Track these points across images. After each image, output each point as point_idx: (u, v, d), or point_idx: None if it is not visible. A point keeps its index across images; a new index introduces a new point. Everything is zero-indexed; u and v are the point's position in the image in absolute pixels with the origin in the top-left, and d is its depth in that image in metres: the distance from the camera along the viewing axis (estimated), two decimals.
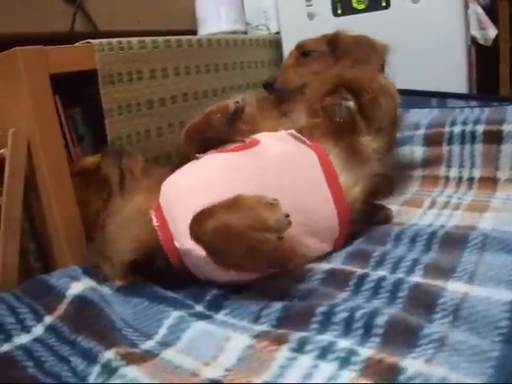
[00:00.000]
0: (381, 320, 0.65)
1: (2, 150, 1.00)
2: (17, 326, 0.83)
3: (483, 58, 1.58)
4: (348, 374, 0.58)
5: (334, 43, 1.27)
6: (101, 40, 1.14)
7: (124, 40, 1.19)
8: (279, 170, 0.89)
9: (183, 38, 1.37)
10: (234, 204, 0.72)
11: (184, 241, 0.78)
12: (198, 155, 0.93)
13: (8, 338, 0.80)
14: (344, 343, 0.63)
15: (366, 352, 0.61)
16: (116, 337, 0.72)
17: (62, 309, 0.84)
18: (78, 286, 0.88)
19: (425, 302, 0.70)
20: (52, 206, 1.05)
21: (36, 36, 1.17)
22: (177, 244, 0.82)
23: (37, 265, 1.09)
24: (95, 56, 1.12)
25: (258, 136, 0.99)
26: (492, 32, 1.58)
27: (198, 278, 0.85)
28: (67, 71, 1.06)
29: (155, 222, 0.84)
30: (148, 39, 1.26)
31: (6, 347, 0.78)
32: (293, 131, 0.99)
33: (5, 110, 1.04)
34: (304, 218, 0.84)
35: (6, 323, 0.83)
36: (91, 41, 1.12)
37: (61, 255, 1.09)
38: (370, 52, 1.23)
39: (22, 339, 0.80)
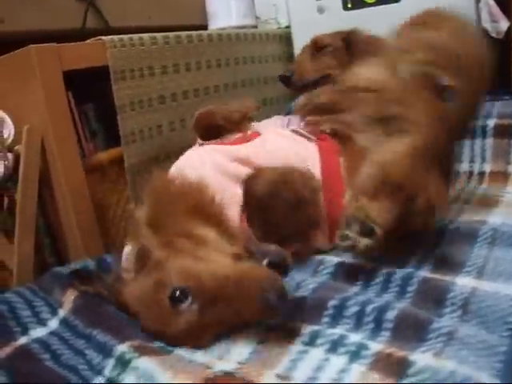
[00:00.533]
0: (391, 314, 0.65)
1: (17, 147, 1.02)
2: (33, 319, 0.85)
3: (495, 51, 1.57)
4: (358, 368, 0.59)
5: (349, 40, 1.27)
6: (112, 37, 1.15)
7: (135, 36, 1.20)
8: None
9: (194, 33, 1.38)
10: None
11: None
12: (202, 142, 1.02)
13: (25, 331, 0.81)
14: (355, 337, 0.64)
15: (376, 346, 0.62)
16: (131, 332, 0.73)
17: (70, 302, 0.85)
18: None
19: (434, 296, 0.71)
20: (66, 202, 1.07)
21: (48, 33, 1.18)
22: None
23: (51, 259, 1.11)
24: (107, 52, 1.13)
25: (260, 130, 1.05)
26: (504, 24, 1.56)
27: None
28: (80, 68, 1.08)
29: None
30: (159, 35, 1.27)
31: (22, 340, 0.79)
32: (298, 128, 1.02)
33: (19, 107, 1.06)
34: None
35: (23, 316, 0.85)
36: (103, 38, 1.13)
37: (75, 249, 1.11)
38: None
39: (38, 332, 0.81)
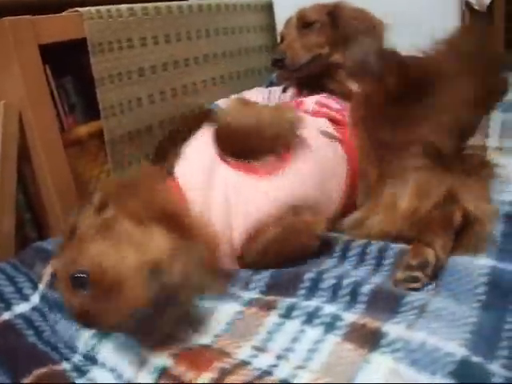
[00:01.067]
0: (366, 288, 0.68)
1: None
2: (16, 295, 0.85)
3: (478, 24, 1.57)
4: (332, 339, 0.61)
5: (334, 14, 1.25)
6: (89, 8, 1.13)
7: (113, 8, 1.18)
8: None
9: (174, 4, 1.35)
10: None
11: None
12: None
13: (8, 306, 0.82)
14: (330, 309, 0.67)
15: (351, 317, 0.64)
16: None
17: (48, 275, 0.86)
18: None
19: None
20: (46, 177, 1.07)
21: (23, 4, 1.15)
22: None
23: (33, 234, 1.11)
24: (84, 24, 1.11)
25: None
26: None
27: None
28: (56, 41, 1.06)
29: None
30: (137, 6, 1.24)
31: (6, 316, 0.80)
32: (327, 130, 0.94)
33: None
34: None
35: (6, 292, 0.85)
36: (80, 9, 1.11)
37: (56, 224, 1.11)
38: (369, 28, 1.23)
39: (22, 308, 0.82)
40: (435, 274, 0.71)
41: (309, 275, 0.74)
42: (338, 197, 0.90)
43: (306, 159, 0.86)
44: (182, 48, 1.39)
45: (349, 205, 0.92)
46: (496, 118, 1.21)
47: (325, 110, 1.01)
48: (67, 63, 1.17)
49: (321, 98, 1.07)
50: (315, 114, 1.01)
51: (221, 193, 0.81)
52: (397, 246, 0.79)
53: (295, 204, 0.82)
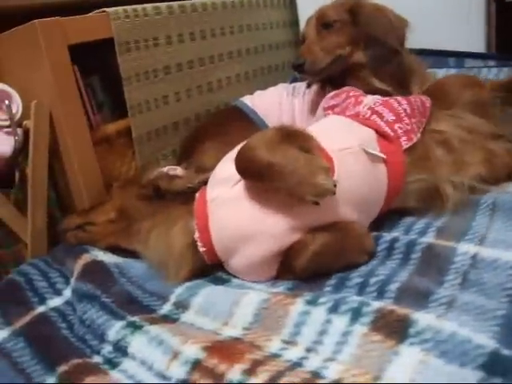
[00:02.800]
0: (393, 286, 0.68)
1: (26, 122, 1.04)
2: (49, 290, 0.89)
3: (504, 15, 1.54)
4: (359, 329, 0.61)
5: (354, 12, 1.23)
6: (116, 8, 1.14)
7: (139, 7, 1.20)
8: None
9: (198, 2, 1.36)
10: None
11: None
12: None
13: (42, 300, 0.85)
14: (357, 298, 0.66)
15: (378, 304, 0.64)
16: (134, 307, 0.77)
17: (79, 269, 0.89)
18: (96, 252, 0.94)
19: (437, 264, 0.72)
20: (75, 174, 1.09)
21: (52, 6, 1.17)
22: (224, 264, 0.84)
23: None
24: (111, 24, 1.13)
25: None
26: None
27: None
28: (84, 41, 1.08)
29: (201, 247, 0.81)
30: (163, 5, 1.26)
31: (40, 309, 0.83)
32: (366, 147, 0.85)
33: (26, 82, 1.07)
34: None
35: (40, 287, 0.89)
36: (107, 9, 1.13)
37: None
38: (389, 28, 1.21)
39: (56, 302, 0.86)
40: None
41: (336, 274, 0.75)
42: (370, 216, 0.87)
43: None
44: (206, 45, 1.40)
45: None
46: None
47: (375, 118, 0.93)
48: (95, 62, 1.19)
49: (376, 103, 0.98)
50: (365, 120, 0.93)
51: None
52: (424, 241, 0.79)
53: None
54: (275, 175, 0.71)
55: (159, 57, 1.25)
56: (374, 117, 0.93)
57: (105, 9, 1.13)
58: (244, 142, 0.77)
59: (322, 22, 1.24)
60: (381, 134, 0.89)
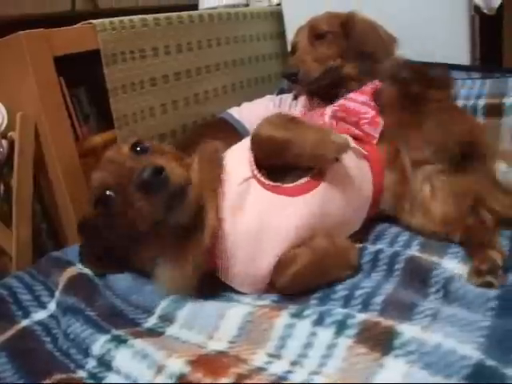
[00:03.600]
0: (378, 299, 0.67)
1: (11, 133, 1.03)
2: (33, 303, 0.87)
3: (487, 28, 1.57)
4: (345, 342, 0.61)
5: (347, 26, 1.25)
6: (103, 20, 1.15)
7: (126, 19, 1.20)
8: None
9: (184, 14, 1.37)
10: None
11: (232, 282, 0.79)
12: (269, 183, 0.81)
13: (26, 314, 0.84)
14: (341, 310, 0.66)
15: (363, 316, 0.64)
16: (119, 320, 0.76)
17: (63, 281, 0.87)
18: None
19: (420, 276, 0.73)
20: (61, 186, 1.09)
21: (37, 17, 1.18)
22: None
23: (49, 243, 1.13)
24: (98, 36, 1.13)
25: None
26: (496, 1, 1.56)
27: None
28: (70, 53, 1.08)
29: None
30: (149, 17, 1.26)
31: (24, 323, 0.82)
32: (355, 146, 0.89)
33: (12, 93, 1.07)
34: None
35: (24, 300, 0.87)
36: (93, 21, 1.13)
37: (71, 233, 1.13)
38: (379, 44, 1.23)
39: (40, 315, 0.84)
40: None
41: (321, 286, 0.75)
42: (364, 213, 0.89)
43: (338, 180, 0.83)
44: (193, 57, 1.41)
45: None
46: (507, 122, 1.21)
47: (342, 124, 0.96)
48: (81, 74, 1.19)
49: (334, 110, 0.99)
50: (335, 128, 0.94)
51: (252, 217, 0.77)
52: (408, 253, 0.79)
53: (324, 224, 0.80)
54: (295, 147, 0.77)
55: (146, 68, 1.26)
56: (341, 123, 0.96)
57: (91, 20, 1.13)
58: (253, 132, 0.81)
59: (315, 32, 1.25)
60: (354, 137, 0.92)
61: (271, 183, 0.79)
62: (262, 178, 0.79)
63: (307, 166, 0.81)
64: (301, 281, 0.75)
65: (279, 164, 0.80)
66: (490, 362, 0.53)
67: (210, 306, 0.75)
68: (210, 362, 0.62)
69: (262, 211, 0.77)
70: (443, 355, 0.55)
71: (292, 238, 0.77)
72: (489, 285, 0.69)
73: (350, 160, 0.86)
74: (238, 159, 0.83)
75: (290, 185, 0.80)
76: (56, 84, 1.06)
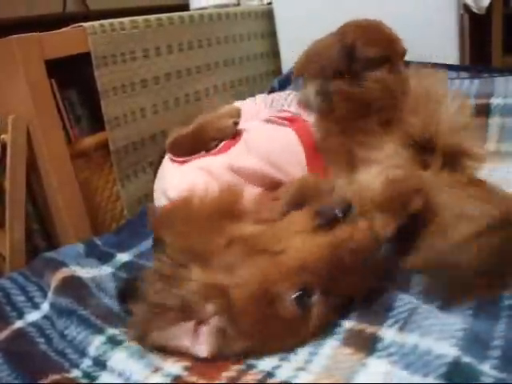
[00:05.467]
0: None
1: (3, 136, 1.04)
2: (27, 304, 0.88)
3: (476, 28, 1.59)
4: (332, 343, 0.64)
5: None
6: (93, 23, 1.16)
7: (116, 21, 1.21)
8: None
9: (175, 14, 1.38)
10: None
11: None
12: (180, 159, 0.92)
13: (20, 315, 0.85)
14: None
15: (348, 324, 0.67)
16: (114, 319, 0.77)
17: (56, 281, 0.88)
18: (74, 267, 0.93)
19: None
20: (53, 188, 1.10)
21: (28, 19, 1.18)
22: None
23: (42, 244, 1.15)
24: (88, 39, 1.14)
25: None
26: (485, 0, 1.58)
27: None
28: (61, 56, 1.09)
29: None
30: (140, 18, 1.27)
31: (18, 324, 0.83)
32: (270, 117, 0.97)
33: (3, 96, 1.08)
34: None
35: (18, 301, 0.88)
36: (83, 24, 1.14)
37: (64, 234, 1.14)
38: None
39: (33, 316, 0.85)
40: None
41: None
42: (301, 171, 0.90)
43: (252, 137, 0.91)
44: (184, 58, 1.42)
45: None
46: (494, 122, 1.22)
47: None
48: (72, 76, 1.20)
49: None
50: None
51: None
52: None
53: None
54: (196, 135, 0.94)
55: (136, 70, 1.27)
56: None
57: (82, 23, 1.14)
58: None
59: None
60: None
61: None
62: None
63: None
64: None
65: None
66: (467, 359, 0.55)
67: None
68: (204, 367, 0.64)
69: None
70: (420, 355, 0.58)
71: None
72: None
73: (264, 125, 0.95)
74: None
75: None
76: (47, 86, 1.07)
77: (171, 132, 0.98)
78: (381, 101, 0.86)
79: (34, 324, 0.83)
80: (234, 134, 0.94)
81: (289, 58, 1.62)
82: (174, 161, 0.92)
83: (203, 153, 0.92)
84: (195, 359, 0.65)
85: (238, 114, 0.93)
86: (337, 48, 0.95)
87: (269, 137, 0.94)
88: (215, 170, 0.87)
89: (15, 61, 1.01)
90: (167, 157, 0.95)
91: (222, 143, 0.93)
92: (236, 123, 0.91)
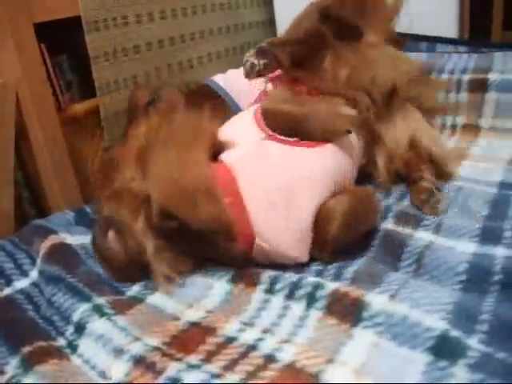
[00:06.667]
0: (350, 269, 0.70)
1: None
2: (16, 271, 0.88)
3: (477, 1, 1.56)
4: (315, 314, 0.63)
5: None
6: None
7: None
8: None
9: None
10: None
11: (279, 248, 0.75)
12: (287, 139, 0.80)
13: (9, 282, 0.85)
14: (312, 279, 0.68)
15: (332, 285, 0.66)
16: (103, 287, 0.77)
17: (44, 249, 0.88)
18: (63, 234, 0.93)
19: (393, 250, 0.75)
20: (43, 154, 1.09)
21: None
22: (261, 243, 0.74)
23: (32, 211, 1.14)
24: (79, 2, 1.11)
25: None
26: None
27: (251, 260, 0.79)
28: (51, 19, 1.06)
29: (229, 216, 0.73)
30: None
31: (7, 291, 0.83)
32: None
33: None
34: None
35: (6, 269, 0.88)
36: None
37: (54, 201, 1.13)
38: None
39: (22, 283, 0.85)
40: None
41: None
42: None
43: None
44: (177, 24, 1.39)
45: None
46: (490, 97, 1.21)
47: None
48: (63, 41, 1.17)
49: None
50: None
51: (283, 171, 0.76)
52: (382, 228, 0.81)
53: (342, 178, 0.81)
54: (309, 122, 0.79)
55: (128, 35, 1.24)
56: None
57: None
58: (264, 107, 0.83)
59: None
60: None
61: (289, 139, 0.79)
62: (281, 137, 0.79)
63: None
64: (348, 224, 0.74)
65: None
66: (454, 333, 0.55)
67: (200, 278, 0.76)
68: (181, 340, 0.64)
69: (290, 164, 0.77)
70: (409, 327, 0.57)
71: (323, 182, 0.77)
72: (435, 211, 0.84)
73: None
74: (242, 129, 0.84)
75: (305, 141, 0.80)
76: (37, 51, 1.05)
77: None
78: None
79: (22, 291, 0.83)
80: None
81: (285, 27, 1.59)
82: (277, 139, 0.80)
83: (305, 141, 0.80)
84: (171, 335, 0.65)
85: (356, 124, 0.84)
86: (315, 11, 0.98)
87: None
88: None
89: (2, 23, 0.98)
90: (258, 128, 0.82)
91: None
92: (349, 132, 0.80)
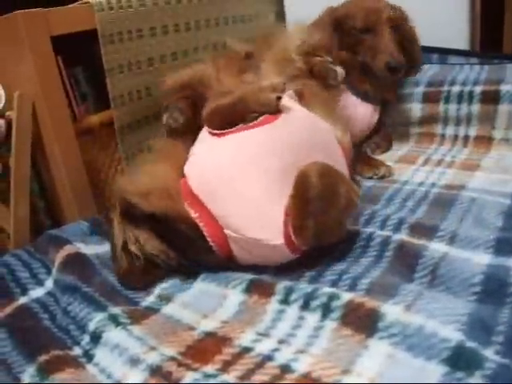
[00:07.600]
0: (365, 281, 0.70)
1: (9, 113, 1.04)
2: (31, 280, 0.89)
3: (488, 13, 1.56)
4: (330, 325, 0.63)
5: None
6: (100, 0, 1.14)
7: None
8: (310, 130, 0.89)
9: None
10: None
11: (246, 232, 0.75)
12: (218, 131, 0.85)
13: (24, 291, 0.86)
14: (327, 289, 0.68)
15: (347, 296, 0.65)
16: (118, 298, 0.78)
17: (60, 258, 0.89)
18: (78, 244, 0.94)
19: (408, 262, 0.75)
20: (58, 166, 1.10)
21: None
22: (229, 233, 0.77)
23: (47, 221, 1.15)
24: (95, 16, 1.12)
25: None
26: None
27: (236, 261, 0.82)
28: (68, 32, 1.08)
29: (193, 214, 0.78)
30: None
31: (23, 300, 0.84)
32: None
33: (9, 73, 1.07)
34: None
35: (22, 278, 0.89)
36: (90, 0, 1.13)
37: (69, 211, 1.14)
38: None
39: (37, 292, 0.86)
40: None
41: (309, 272, 0.77)
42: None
43: (296, 117, 0.89)
44: (191, 37, 1.40)
45: None
46: (503, 108, 1.21)
47: None
48: (79, 54, 1.19)
49: None
50: None
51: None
52: (397, 239, 0.81)
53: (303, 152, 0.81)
54: (240, 104, 0.86)
55: (143, 48, 1.25)
56: None
57: (89, 0, 1.13)
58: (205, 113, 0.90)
59: (393, 24, 1.22)
60: None
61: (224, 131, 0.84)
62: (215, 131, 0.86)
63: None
64: (325, 190, 0.74)
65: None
66: (470, 344, 0.55)
67: (214, 288, 0.77)
68: (197, 350, 0.64)
69: (228, 153, 0.82)
70: (425, 337, 0.57)
71: (268, 158, 0.79)
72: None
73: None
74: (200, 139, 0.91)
75: (249, 124, 0.84)
76: (53, 63, 1.06)
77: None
78: None
79: (37, 300, 0.84)
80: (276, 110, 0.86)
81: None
82: (213, 134, 0.86)
83: (241, 125, 0.84)
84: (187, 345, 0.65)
85: (282, 88, 0.87)
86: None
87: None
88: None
89: (21, 36, 0.99)
90: (205, 129, 0.90)
91: (262, 117, 0.84)
92: (279, 98, 0.84)
